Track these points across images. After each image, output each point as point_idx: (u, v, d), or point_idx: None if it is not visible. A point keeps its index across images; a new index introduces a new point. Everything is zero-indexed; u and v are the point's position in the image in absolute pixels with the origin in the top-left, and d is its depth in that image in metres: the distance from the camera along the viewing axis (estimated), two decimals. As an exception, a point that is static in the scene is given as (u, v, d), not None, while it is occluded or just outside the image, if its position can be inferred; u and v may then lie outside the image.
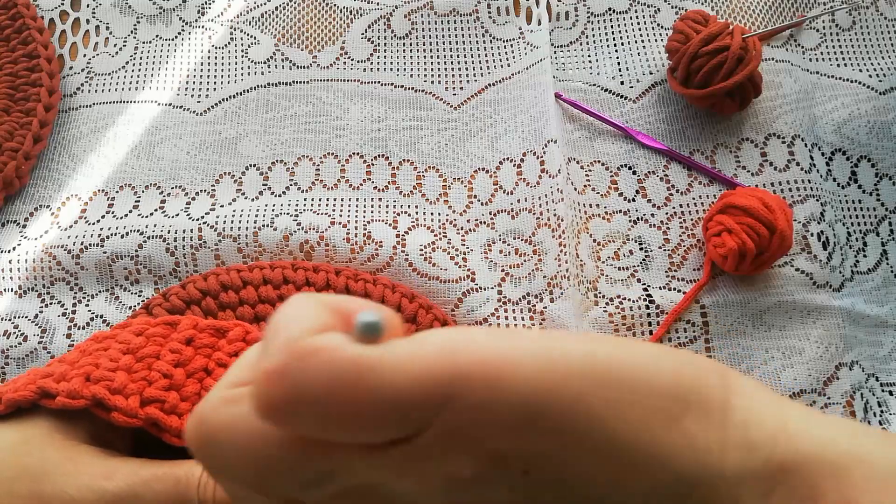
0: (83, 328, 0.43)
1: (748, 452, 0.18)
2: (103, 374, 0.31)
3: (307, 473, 0.18)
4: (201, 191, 0.47)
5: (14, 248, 0.45)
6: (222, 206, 0.46)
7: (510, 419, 0.16)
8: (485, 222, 0.45)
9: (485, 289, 0.43)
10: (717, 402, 0.18)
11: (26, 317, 0.43)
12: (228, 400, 0.18)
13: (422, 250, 0.44)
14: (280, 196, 0.46)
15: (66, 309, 0.43)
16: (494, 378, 0.16)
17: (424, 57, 0.50)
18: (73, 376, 0.31)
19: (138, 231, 0.44)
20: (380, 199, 0.46)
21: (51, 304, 0.43)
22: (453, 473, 0.17)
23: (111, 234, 0.44)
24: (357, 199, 0.46)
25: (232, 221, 0.44)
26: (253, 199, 0.46)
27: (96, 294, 0.44)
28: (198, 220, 0.45)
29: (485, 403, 0.16)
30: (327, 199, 0.46)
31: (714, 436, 0.18)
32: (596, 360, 0.17)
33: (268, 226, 0.44)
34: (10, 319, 0.43)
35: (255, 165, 0.47)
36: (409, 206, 0.46)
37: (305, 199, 0.46)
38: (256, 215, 0.44)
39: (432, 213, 0.46)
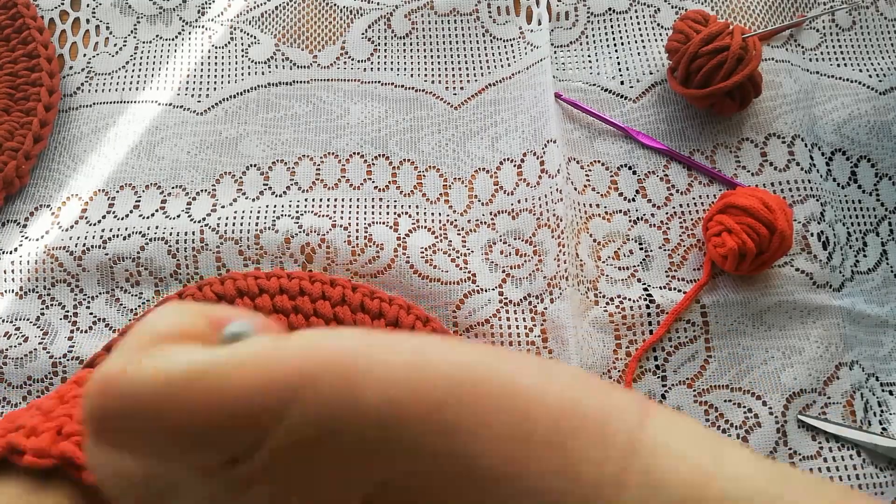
0: (86, 332, 0.43)
1: (652, 491, 0.15)
2: (76, 427, 0.28)
3: (151, 487, 0.16)
4: (202, 191, 0.47)
5: (16, 249, 0.45)
6: (223, 206, 0.46)
7: (355, 431, 0.14)
8: (485, 223, 0.45)
9: (486, 290, 0.43)
10: (621, 435, 0.16)
11: (28, 319, 0.43)
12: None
13: (423, 253, 0.44)
14: (281, 196, 0.46)
15: (68, 311, 0.43)
16: (342, 379, 0.14)
17: (425, 57, 0.50)
18: (44, 430, 0.28)
19: (140, 233, 0.44)
20: (380, 199, 0.46)
21: (52, 305, 0.43)
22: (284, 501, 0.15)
23: (113, 236, 0.44)
24: (358, 200, 0.46)
25: (233, 224, 0.44)
26: (254, 200, 0.46)
27: (96, 296, 0.44)
28: (199, 222, 0.45)
29: (329, 409, 0.14)
30: (328, 200, 0.46)
31: (610, 469, 0.15)
32: (469, 370, 0.15)
33: (269, 228, 0.44)
34: (11, 321, 0.43)
35: (255, 165, 0.47)
36: (409, 207, 0.46)
37: (306, 200, 0.46)
38: (258, 217, 0.44)
39: (433, 214, 0.46)
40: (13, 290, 0.44)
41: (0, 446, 0.27)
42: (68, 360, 0.42)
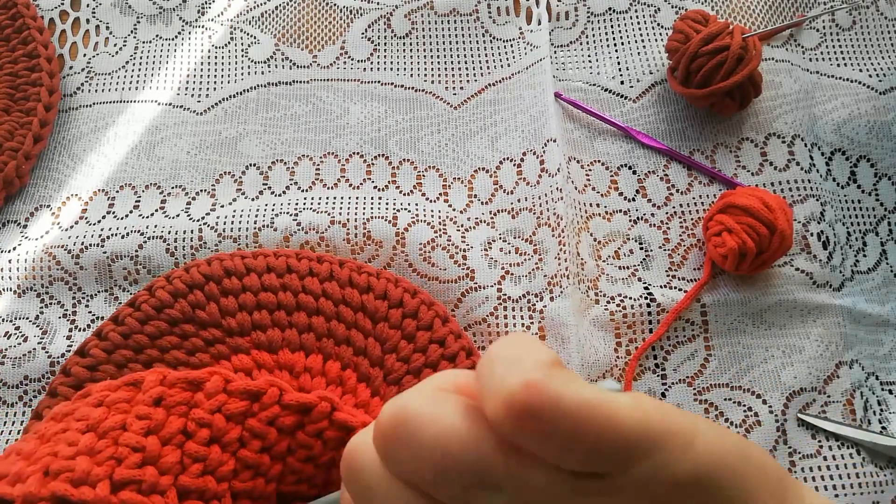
0: (84, 330, 0.43)
1: None
2: (62, 464, 0.26)
3: (486, 478, 0.19)
4: (201, 190, 0.47)
5: (14, 248, 0.45)
6: (222, 206, 0.46)
7: (686, 479, 0.19)
8: (485, 221, 0.45)
9: (484, 287, 0.43)
10: (798, 491, 0.23)
11: (27, 318, 0.43)
12: (440, 396, 0.20)
13: (421, 249, 0.44)
14: (280, 196, 0.46)
15: (67, 310, 0.43)
16: (682, 447, 0.19)
17: (424, 57, 0.50)
18: (30, 474, 0.26)
19: (139, 231, 0.44)
20: (380, 199, 0.46)
21: (51, 304, 0.43)
22: None
23: (111, 235, 0.44)
24: (357, 199, 0.46)
25: (232, 222, 0.44)
26: (253, 199, 0.46)
27: (95, 294, 0.44)
28: (198, 220, 0.45)
29: (672, 462, 0.19)
30: (327, 199, 0.46)
31: None
32: (745, 444, 0.21)
33: (268, 226, 0.44)
34: (10, 321, 0.43)
35: (255, 165, 0.47)
36: (409, 204, 0.46)
37: (305, 199, 0.45)
38: (256, 215, 0.44)
39: (432, 211, 0.46)
40: (12, 289, 0.44)
41: (44, 497, 0.26)
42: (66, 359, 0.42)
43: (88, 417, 0.29)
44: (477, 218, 0.46)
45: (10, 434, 0.41)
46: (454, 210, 0.46)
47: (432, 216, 0.45)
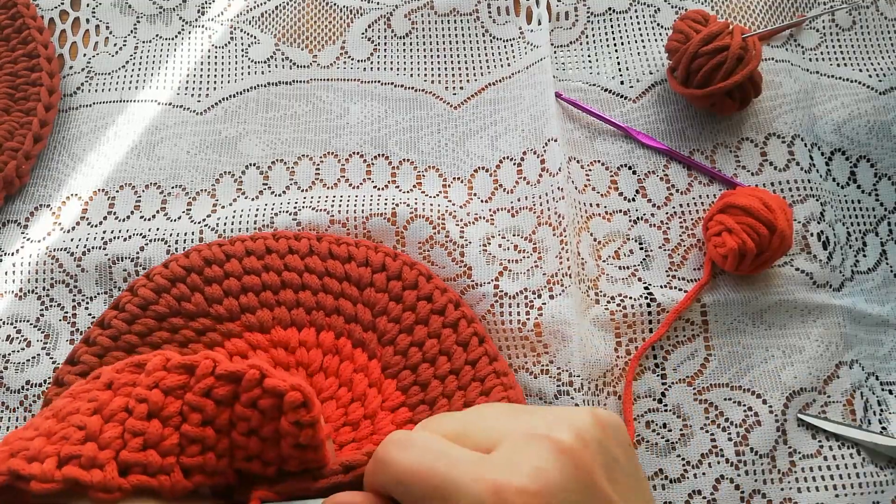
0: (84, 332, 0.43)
1: None
2: (22, 444, 0.29)
3: None
4: (202, 190, 0.47)
5: (17, 251, 0.45)
6: (223, 206, 0.46)
7: None
8: (484, 218, 0.45)
9: (481, 284, 0.43)
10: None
11: (27, 321, 0.43)
12: None
13: (420, 247, 0.43)
14: (280, 196, 0.46)
15: (67, 312, 0.43)
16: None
17: (424, 56, 0.50)
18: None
19: (141, 234, 0.44)
20: (379, 196, 0.46)
21: (51, 306, 0.43)
22: None
23: (114, 238, 0.44)
24: (357, 197, 0.46)
25: (232, 223, 0.44)
26: (253, 199, 0.46)
27: (95, 296, 0.44)
28: (199, 222, 0.45)
29: None
30: (327, 199, 0.46)
31: None
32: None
33: (267, 226, 0.44)
34: (12, 324, 0.43)
35: (255, 165, 0.47)
36: (407, 199, 0.45)
37: (305, 199, 0.45)
38: (256, 215, 0.44)
39: (431, 205, 0.45)
40: (13, 292, 0.44)
41: (2, 472, 0.27)
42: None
43: (56, 408, 0.31)
44: (476, 214, 0.45)
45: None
46: (453, 205, 0.46)
47: (431, 210, 0.45)
